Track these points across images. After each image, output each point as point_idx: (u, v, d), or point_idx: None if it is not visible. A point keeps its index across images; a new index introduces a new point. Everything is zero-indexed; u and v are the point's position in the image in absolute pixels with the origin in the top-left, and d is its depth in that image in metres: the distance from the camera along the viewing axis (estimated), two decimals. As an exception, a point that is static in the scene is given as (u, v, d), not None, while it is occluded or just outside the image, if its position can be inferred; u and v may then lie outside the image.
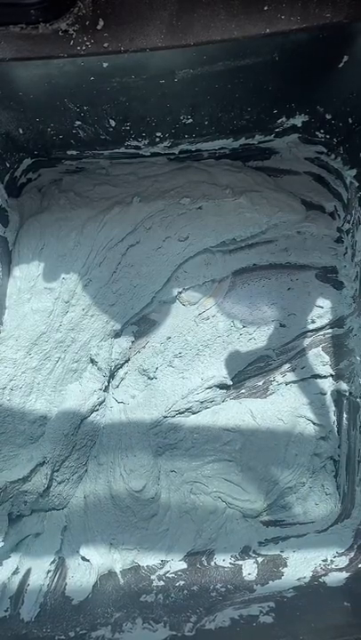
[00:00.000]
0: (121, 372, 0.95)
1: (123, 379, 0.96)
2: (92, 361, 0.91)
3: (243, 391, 0.95)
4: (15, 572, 0.84)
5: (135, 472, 0.88)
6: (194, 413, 0.93)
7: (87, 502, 0.90)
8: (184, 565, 0.85)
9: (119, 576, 0.85)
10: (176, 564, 0.85)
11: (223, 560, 0.85)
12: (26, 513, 0.88)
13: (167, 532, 0.88)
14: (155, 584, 0.83)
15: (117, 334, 0.94)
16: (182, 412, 0.93)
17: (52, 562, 0.85)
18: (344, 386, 0.92)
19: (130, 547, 0.87)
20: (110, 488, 0.89)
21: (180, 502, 0.89)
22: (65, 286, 0.88)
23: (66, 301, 0.88)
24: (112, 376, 0.94)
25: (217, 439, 0.91)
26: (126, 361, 0.95)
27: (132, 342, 0.95)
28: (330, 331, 0.95)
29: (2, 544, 0.83)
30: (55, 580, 0.85)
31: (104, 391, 0.92)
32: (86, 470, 0.92)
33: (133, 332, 0.95)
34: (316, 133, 0.87)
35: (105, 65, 0.64)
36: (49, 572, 0.85)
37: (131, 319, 0.94)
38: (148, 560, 0.86)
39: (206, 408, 0.94)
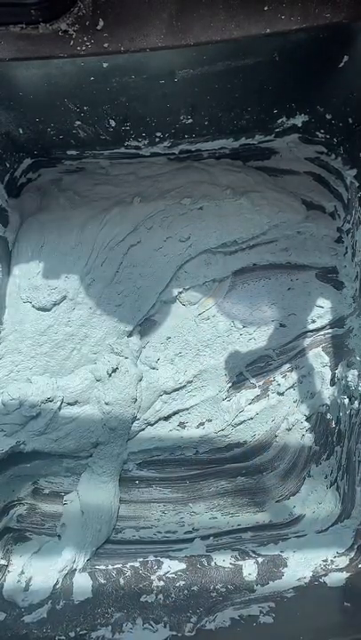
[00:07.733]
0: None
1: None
2: (119, 355, 0.90)
3: (243, 391, 0.95)
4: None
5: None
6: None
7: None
8: (184, 565, 0.85)
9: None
10: (176, 564, 0.85)
11: (223, 560, 0.85)
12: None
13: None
14: (155, 584, 0.83)
15: (130, 334, 0.93)
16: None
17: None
18: (344, 386, 0.92)
19: None
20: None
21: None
22: (68, 284, 0.88)
23: (71, 299, 0.88)
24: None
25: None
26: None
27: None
28: (330, 331, 0.95)
29: None
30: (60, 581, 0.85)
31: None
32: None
33: (137, 331, 0.95)
34: (317, 133, 0.88)
35: (105, 65, 0.64)
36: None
37: (139, 321, 0.93)
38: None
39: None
